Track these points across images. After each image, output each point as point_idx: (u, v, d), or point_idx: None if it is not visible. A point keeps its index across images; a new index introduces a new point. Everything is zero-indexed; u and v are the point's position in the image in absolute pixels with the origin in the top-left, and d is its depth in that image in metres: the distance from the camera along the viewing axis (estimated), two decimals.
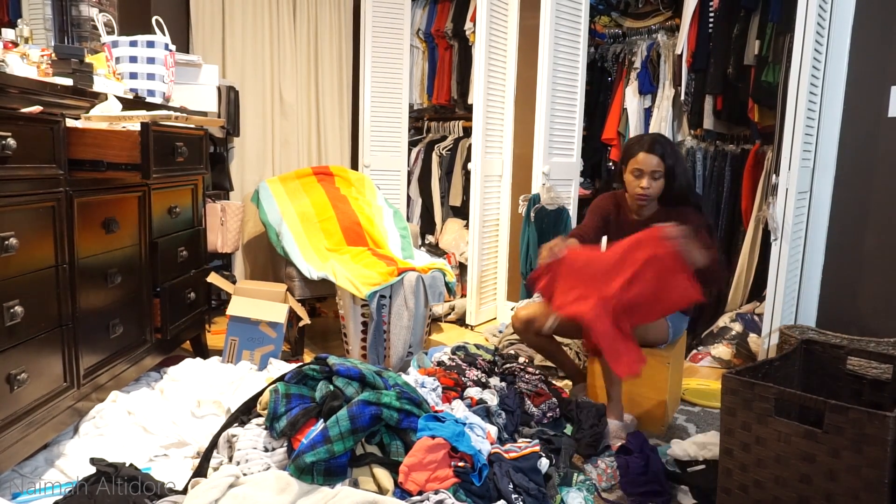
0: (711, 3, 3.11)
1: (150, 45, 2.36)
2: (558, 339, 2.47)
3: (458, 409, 1.91)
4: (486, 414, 1.95)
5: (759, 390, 1.43)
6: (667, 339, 2.20)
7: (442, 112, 4.39)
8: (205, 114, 2.79)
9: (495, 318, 3.72)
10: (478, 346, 2.68)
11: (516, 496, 1.57)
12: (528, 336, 2.32)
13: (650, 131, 3.43)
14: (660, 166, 2.07)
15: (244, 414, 1.78)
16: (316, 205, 3.17)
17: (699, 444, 1.93)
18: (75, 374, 1.79)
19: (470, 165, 3.48)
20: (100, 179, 1.87)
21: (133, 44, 2.34)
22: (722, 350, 2.92)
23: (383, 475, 1.55)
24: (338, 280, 2.62)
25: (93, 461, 1.60)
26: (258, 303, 2.64)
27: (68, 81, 1.85)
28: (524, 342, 2.51)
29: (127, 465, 1.60)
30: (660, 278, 1.86)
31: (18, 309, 1.50)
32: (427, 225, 4.23)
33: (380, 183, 3.73)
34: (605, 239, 2.29)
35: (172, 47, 2.48)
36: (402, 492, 1.54)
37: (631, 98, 3.48)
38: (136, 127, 1.82)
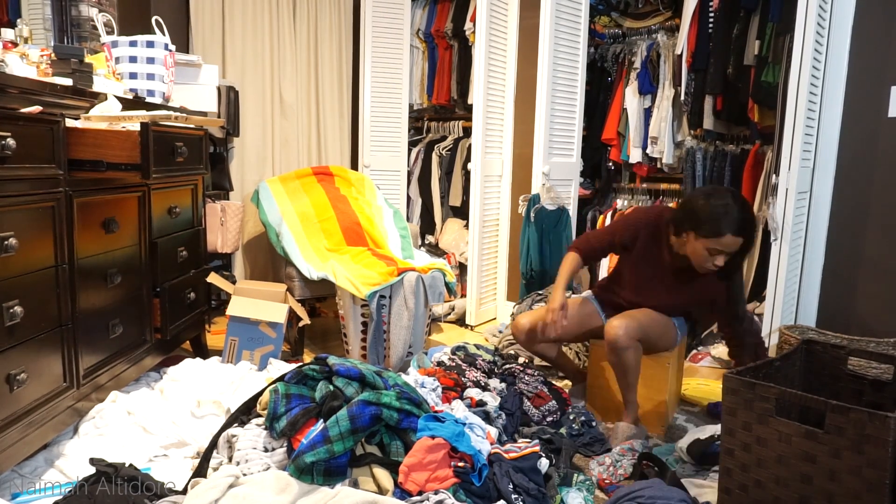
0: (711, 3, 3.11)
1: (150, 45, 2.36)
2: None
3: (458, 409, 1.91)
4: (486, 416, 1.95)
5: (760, 390, 1.43)
6: (675, 345, 2.22)
7: (442, 112, 4.39)
8: (205, 114, 2.78)
9: (495, 318, 3.72)
10: (478, 347, 2.68)
11: (516, 496, 1.57)
12: (531, 345, 2.32)
13: (650, 131, 3.43)
14: (738, 245, 1.93)
15: (244, 414, 1.78)
16: (316, 205, 3.16)
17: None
18: (75, 374, 1.79)
19: (470, 165, 3.48)
20: (99, 179, 1.86)
21: (133, 44, 2.34)
22: (722, 350, 2.91)
23: (383, 475, 1.55)
24: (338, 280, 2.62)
25: (92, 461, 1.60)
26: (258, 303, 2.63)
27: (68, 81, 1.84)
28: (525, 350, 2.49)
29: (127, 465, 1.60)
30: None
31: (18, 309, 1.50)
32: (427, 225, 4.22)
33: (380, 183, 3.72)
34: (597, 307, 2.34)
35: (172, 47, 2.48)
36: (402, 492, 1.54)
37: (631, 98, 3.48)
38: (136, 127, 1.81)
